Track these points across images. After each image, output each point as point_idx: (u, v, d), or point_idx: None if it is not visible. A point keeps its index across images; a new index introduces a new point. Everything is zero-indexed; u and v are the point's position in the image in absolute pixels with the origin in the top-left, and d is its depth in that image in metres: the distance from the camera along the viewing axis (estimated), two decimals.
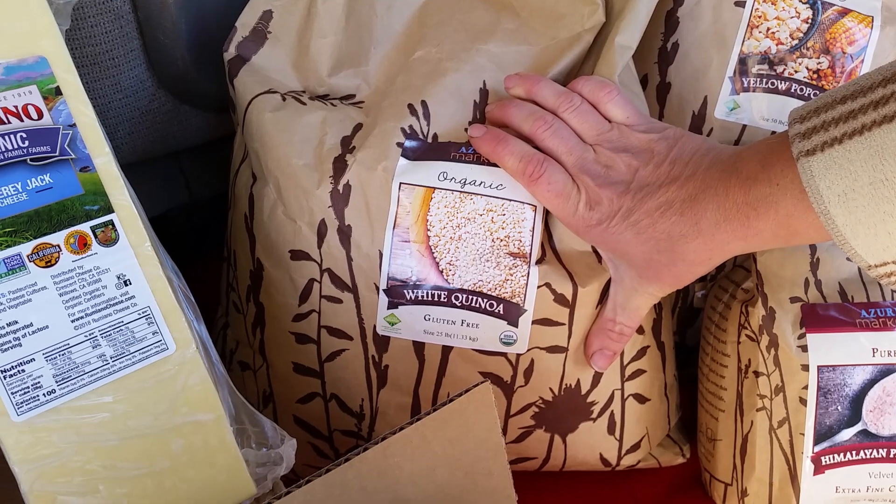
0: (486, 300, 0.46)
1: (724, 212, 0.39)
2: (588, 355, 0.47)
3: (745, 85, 0.53)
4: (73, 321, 0.36)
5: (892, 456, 0.46)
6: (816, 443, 0.46)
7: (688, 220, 0.41)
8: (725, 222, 0.39)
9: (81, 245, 0.37)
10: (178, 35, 0.51)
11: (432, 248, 0.46)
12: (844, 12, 0.53)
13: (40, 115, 0.37)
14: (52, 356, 0.36)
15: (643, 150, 0.44)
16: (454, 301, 0.46)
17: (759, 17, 0.53)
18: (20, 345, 0.35)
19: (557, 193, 0.44)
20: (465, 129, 0.47)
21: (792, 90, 0.53)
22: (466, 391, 0.35)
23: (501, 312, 0.46)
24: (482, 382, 0.36)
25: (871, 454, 0.46)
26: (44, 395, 0.35)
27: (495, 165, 0.46)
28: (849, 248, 0.35)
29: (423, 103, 0.48)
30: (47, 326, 0.36)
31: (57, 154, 0.37)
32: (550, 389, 0.48)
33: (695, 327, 0.59)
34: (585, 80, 0.46)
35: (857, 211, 0.34)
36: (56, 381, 0.36)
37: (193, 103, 0.56)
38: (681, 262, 0.42)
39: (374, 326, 0.47)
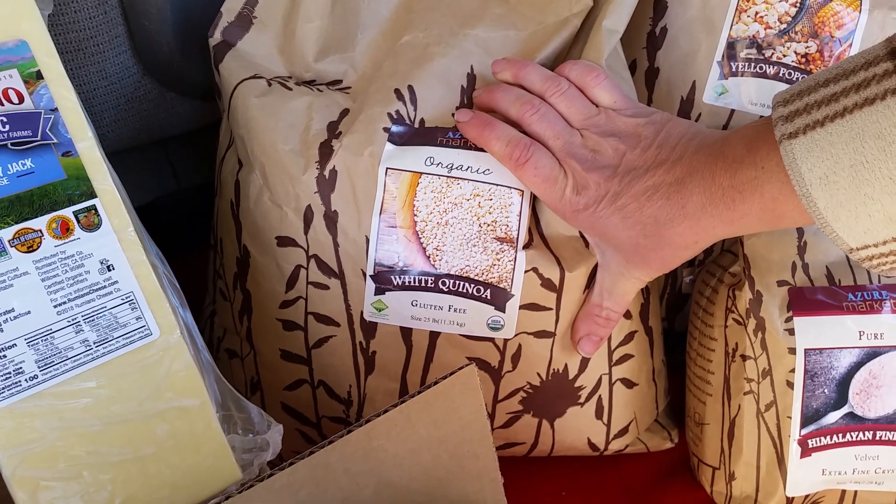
0: (473, 285, 0.46)
1: (710, 195, 0.39)
2: (575, 341, 0.47)
3: (734, 69, 0.53)
4: (55, 306, 0.36)
5: (877, 438, 0.46)
6: (803, 426, 0.46)
7: (674, 203, 0.41)
8: (711, 206, 0.39)
9: (64, 230, 0.37)
10: (164, 21, 0.51)
11: (419, 233, 0.45)
12: None
13: (21, 100, 0.36)
14: (35, 341, 0.35)
15: (630, 134, 0.43)
16: (441, 286, 0.46)
17: (748, 1, 0.53)
18: (1, 330, 0.35)
19: (544, 178, 0.43)
20: (453, 114, 0.47)
21: (780, 74, 0.53)
22: (451, 373, 0.35)
23: (489, 297, 0.46)
24: (467, 365, 0.36)
25: (857, 437, 0.46)
26: (26, 380, 0.35)
27: (482, 150, 0.45)
28: (830, 231, 0.35)
29: (410, 88, 0.47)
30: (29, 312, 0.36)
31: (38, 139, 0.37)
32: (538, 374, 0.48)
33: (683, 313, 0.59)
34: (573, 64, 0.46)
35: (839, 193, 0.34)
36: (38, 367, 0.35)
37: (180, 90, 0.56)
38: (667, 245, 0.42)
39: (362, 312, 0.47)
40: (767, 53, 0.53)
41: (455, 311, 0.46)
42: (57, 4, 0.47)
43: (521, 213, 0.46)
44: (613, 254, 0.45)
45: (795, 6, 0.52)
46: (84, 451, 0.36)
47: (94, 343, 0.37)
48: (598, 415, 0.51)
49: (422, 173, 0.45)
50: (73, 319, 0.36)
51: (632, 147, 0.43)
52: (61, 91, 0.37)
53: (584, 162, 0.43)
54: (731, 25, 0.53)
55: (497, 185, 0.45)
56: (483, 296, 0.46)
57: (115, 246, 0.38)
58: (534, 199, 0.46)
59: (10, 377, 0.35)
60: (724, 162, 0.39)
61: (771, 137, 0.36)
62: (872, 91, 0.32)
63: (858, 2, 0.52)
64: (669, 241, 0.42)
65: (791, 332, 0.46)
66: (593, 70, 0.45)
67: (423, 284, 0.46)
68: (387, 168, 0.45)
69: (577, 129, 0.44)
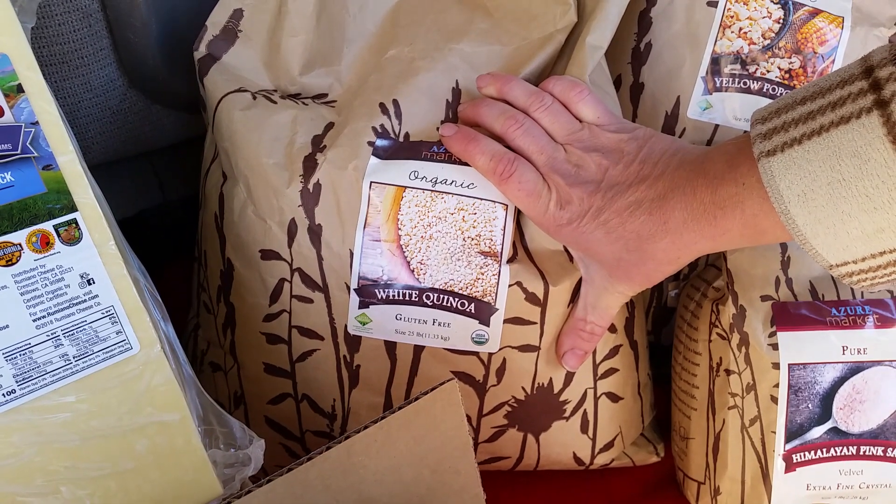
0: (457, 299, 0.46)
1: (691, 211, 0.39)
2: (559, 355, 0.47)
3: (718, 85, 0.53)
4: (34, 320, 0.36)
5: (862, 453, 0.46)
6: (788, 441, 0.46)
7: (656, 219, 0.41)
8: (693, 222, 0.40)
9: (44, 244, 0.36)
10: (149, 34, 0.51)
11: (403, 247, 0.45)
12: (815, 13, 0.53)
13: (1, 113, 0.36)
14: (13, 356, 0.35)
15: (613, 149, 0.44)
16: (425, 300, 0.46)
17: (732, 17, 0.53)
18: None
19: (528, 192, 0.43)
20: (437, 129, 0.47)
21: (764, 90, 0.53)
22: (433, 389, 0.35)
23: (473, 311, 0.46)
24: (449, 380, 0.36)
25: (841, 452, 0.46)
26: (3, 395, 0.35)
27: (467, 164, 0.45)
28: (810, 248, 0.35)
29: (395, 102, 0.47)
30: (7, 326, 0.35)
31: (19, 152, 0.36)
32: (523, 388, 0.48)
33: (669, 326, 0.59)
34: (556, 79, 0.46)
35: (817, 211, 0.34)
36: (16, 381, 0.35)
37: (165, 103, 0.56)
38: (650, 260, 0.42)
39: (346, 326, 0.47)
40: (751, 69, 0.53)
41: (439, 324, 0.46)
42: (40, 17, 0.47)
43: (505, 227, 0.46)
44: (597, 268, 0.45)
45: (779, 22, 0.53)
46: (62, 466, 0.36)
47: (74, 357, 0.36)
48: (584, 429, 0.50)
49: (406, 187, 0.45)
50: (52, 333, 0.36)
51: (615, 162, 0.43)
52: (42, 104, 0.37)
53: (567, 177, 0.43)
54: (716, 41, 0.53)
55: (481, 199, 0.45)
56: (467, 310, 0.46)
57: (95, 260, 0.37)
58: (518, 214, 0.46)
59: None
60: (706, 178, 0.39)
61: (751, 154, 0.37)
62: (848, 109, 0.32)
63: (840, 18, 0.53)
64: (652, 256, 0.42)
65: (775, 346, 0.46)
66: (577, 86, 0.45)
67: (407, 298, 0.46)
68: (371, 182, 0.45)
69: (560, 144, 0.45)
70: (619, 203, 0.42)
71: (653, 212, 0.41)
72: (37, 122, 0.37)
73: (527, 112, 0.46)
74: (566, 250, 0.46)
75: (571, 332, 0.46)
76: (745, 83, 0.53)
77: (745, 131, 0.53)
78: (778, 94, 0.53)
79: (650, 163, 0.42)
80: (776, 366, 0.46)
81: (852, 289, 0.47)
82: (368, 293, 0.46)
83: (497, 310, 0.46)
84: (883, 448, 0.46)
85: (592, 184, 0.43)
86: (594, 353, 0.49)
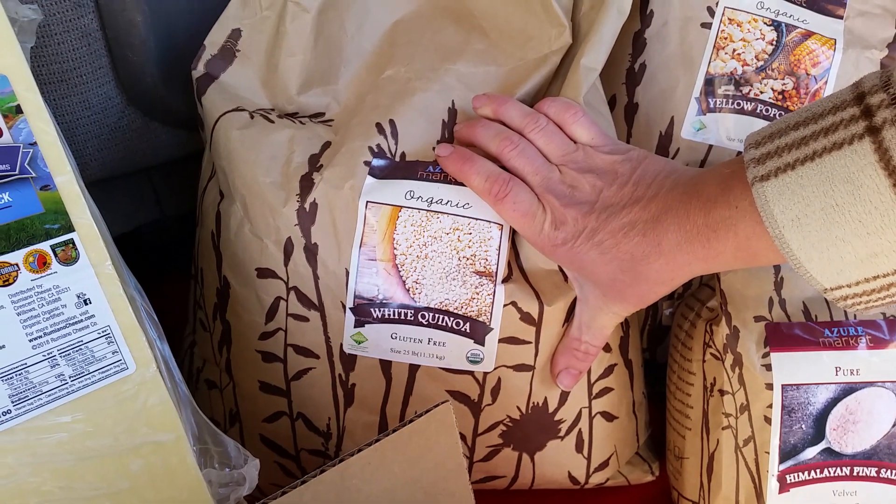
0: (452, 318, 0.46)
1: (685, 233, 0.40)
2: (554, 374, 0.47)
3: (712, 105, 0.54)
4: (30, 340, 0.36)
5: (855, 474, 0.47)
6: (781, 461, 0.47)
7: (650, 241, 0.41)
8: (687, 244, 0.40)
9: (41, 264, 0.37)
10: (147, 53, 0.51)
11: (399, 266, 0.46)
12: (808, 35, 0.54)
13: (0, 134, 0.36)
14: (9, 376, 0.35)
15: (607, 171, 0.44)
16: (421, 319, 0.46)
17: (725, 38, 0.54)
18: None
19: (523, 213, 0.44)
20: (433, 149, 0.47)
21: (758, 111, 0.54)
22: (427, 411, 0.35)
23: (468, 331, 0.46)
24: (443, 402, 0.36)
25: (834, 472, 0.47)
26: None
27: (462, 184, 0.46)
28: (804, 272, 0.35)
29: (392, 122, 0.48)
30: (4, 346, 0.35)
31: (17, 173, 0.37)
32: (518, 408, 0.48)
33: (664, 345, 0.59)
34: (551, 101, 0.47)
35: (811, 235, 0.34)
36: (12, 402, 0.35)
37: (163, 120, 0.56)
38: (644, 281, 0.42)
39: (341, 345, 0.47)
40: (745, 90, 0.53)
41: (434, 344, 0.46)
42: (40, 36, 0.47)
43: (500, 247, 0.46)
44: (592, 288, 0.45)
45: (772, 44, 0.53)
46: (57, 486, 0.36)
47: (70, 377, 0.37)
48: (579, 448, 0.51)
49: (402, 207, 0.45)
50: (48, 353, 0.36)
51: (609, 184, 0.43)
52: (40, 125, 0.37)
53: (561, 198, 0.43)
54: (709, 62, 0.53)
55: (477, 219, 0.46)
56: (462, 329, 0.46)
57: (92, 280, 0.38)
58: (513, 233, 0.46)
59: None
60: (699, 200, 0.39)
61: (744, 178, 0.37)
62: (840, 136, 0.33)
63: (833, 41, 0.53)
64: (646, 277, 0.42)
65: (768, 367, 0.46)
66: (571, 107, 0.46)
67: (402, 317, 0.46)
68: (367, 201, 0.45)
69: (555, 165, 0.45)
70: (613, 224, 0.42)
71: (647, 233, 0.41)
72: (35, 143, 0.37)
73: (522, 133, 0.46)
74: (561, 270, 0.47)
75: (566, 351, 0.47)
76: (738, 104, 0.54)
77: (739, 152, 0.54)
78: (772, 115, 0.54)
79: (644, 184, 0.43)
80: (769, 386, 0.46)
81: (846, 311, 0.48)
82: (364, 312, 0.46)
83: (492, 329, 0.46)
84: (876, 469, 0.47)
85: (587, 204, 0.43)
86: (589, 372, 0.49)
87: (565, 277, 0.47)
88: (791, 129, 0.35)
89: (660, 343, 0.60)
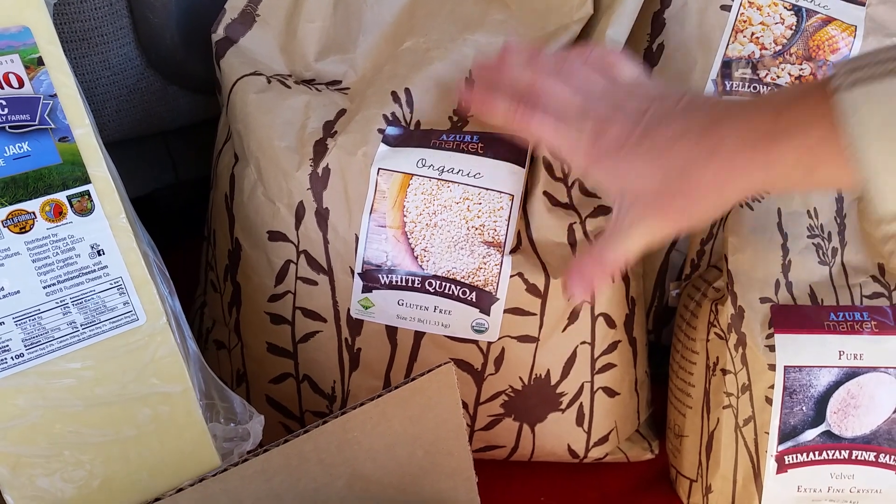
0: (458, 287, 0.46)
1: (744, 139, 0.37)
2: (566, 283, 0.44)
3: (728, 88, 0.53)
4: (44, 287, 0.37)
5: (853, 458, 0.47)
6: (780, 442, 0.47)
7: (704, 147, 0.38)
8: (749, 149, 0.37)
9: (57, 213, 0.37)
10: (168, 15, 0.52)
11: (408, 233, 0.46)
12: (828, 20, 0.53)
13: (21, 84, 0.37)
14: (22, 321, 0.36)
15: (656, 96, 0.42)
16: (427, 287, 0.46)
17: (745, 21, 0.53)
18: None
19: (556, 119, 0.41)
20: (449, 118, 0.48)
21: None
22: (429, 371, 0.36)
23: (474, 300, 0.46)
24: (446, 363, 0.36)
25: (833, 455, 0.47)
26: (12, 358, 0.36)
27: (475, 154, 0.46)
28: (869, 190, 0.33)
29: (407, 91, 0.48)
30: (19, 291, 0.36)
31: (36, 123, 0.37)
32: (520, 378, 0.49)
33: (670, 326, 0.59)
34: (591, 46, 0.45)
35: (892, 144, 0.32)
36: (25, 345, 0.36)
37: (182, 84, 0.57)
38: (693, 190, 0.39)
39: (348, 309, 0.47)
40: (762, 74, 0.53)
41: (440, 311, 0.47)
42: None
43: (509, 217, 0.46)
44: (631, 204, 0.41)
45: (791, 28, 0.53)
46: (66, 430, 0.37)
47: (81, 325, 0.37)
48: (579, 422, 0.51)
49: (413, 175, 0.46)
50: (61, 301, 0.37)
51: (659, 101, 0.41)
52: (61, 78, 0.38)
53: (606, 109, 0.41)
54: (728, 45, 0.53)
55: (487, 189, 0.46)
56: (468, 298, 0.46)
57: (106, 231, 0.38)
58: (524, 204, 0.47)
59: None
60: (767, 106, 0.37)
61: (823, 89, 0.35)
62: None
63: (853, 27, 0.53)
64: (697, 184, 0.39)
65: (771, 348, 0.46)
66: (614, 52, 0.44)
67: (409, 284, 0.46)
68: (379, 168, 0.46)
69: (598, 91, 0.43)
70: (663, 131, 0.40)
71: (700, 140, 0.38)
72: (55, 95, 0.38)
73: (564, 65, 0.44)
74: (569, 242, 0.47)
75: (586, 258, 0.43)
76: (755, 87, 0.53)
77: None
78: None
79: (696, 103, 0.40)
80: (772, 367, 0.46)
81: (851, 295, 0.48)
82: (372, 278, 0.47)
83: (498, 299, 0.46)
84: (875, 453, 0.47)
85: (635, 114, 0.41)
86: (593, 347, 0.49)
87: (573, 249, 0.47)
88: (881, 53, 0.33)
89: (665, 325, 0.60)
